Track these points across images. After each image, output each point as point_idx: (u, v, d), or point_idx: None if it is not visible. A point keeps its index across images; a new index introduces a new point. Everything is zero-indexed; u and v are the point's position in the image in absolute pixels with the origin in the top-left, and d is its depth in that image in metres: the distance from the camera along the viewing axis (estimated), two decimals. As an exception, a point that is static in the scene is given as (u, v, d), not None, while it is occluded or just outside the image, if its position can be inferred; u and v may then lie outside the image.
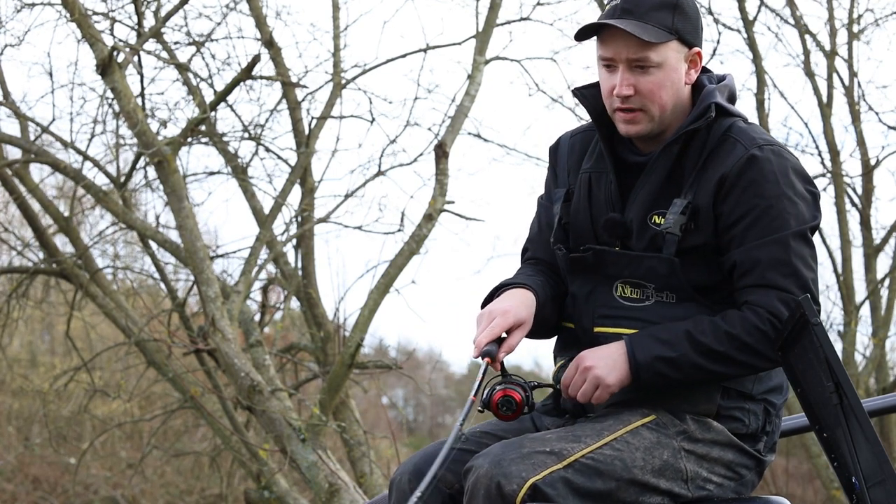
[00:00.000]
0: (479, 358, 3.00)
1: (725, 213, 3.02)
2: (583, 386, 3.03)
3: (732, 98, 3.17)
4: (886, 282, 12.10)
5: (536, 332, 3.19)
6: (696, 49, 3.10)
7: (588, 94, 3.18)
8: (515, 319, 3.03)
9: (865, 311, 12.06)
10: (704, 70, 3.19)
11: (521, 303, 3.07)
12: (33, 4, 8.74)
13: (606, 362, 3.01)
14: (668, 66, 3.05)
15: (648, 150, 3.13)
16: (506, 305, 3.05)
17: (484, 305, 3.14)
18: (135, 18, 8.86)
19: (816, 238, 3.14)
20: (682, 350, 2.98)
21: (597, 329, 3.12)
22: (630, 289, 3.09)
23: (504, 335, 3.04)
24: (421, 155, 9.25)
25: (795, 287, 2.97)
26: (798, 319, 2.92)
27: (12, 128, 9.10)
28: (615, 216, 3.12)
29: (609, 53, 3.06)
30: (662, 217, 3.05)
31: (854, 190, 12.10)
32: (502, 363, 3.06)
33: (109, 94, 8.66)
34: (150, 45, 8.82)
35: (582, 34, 3.09)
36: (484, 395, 3.05)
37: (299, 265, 9.30)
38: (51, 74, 9.10)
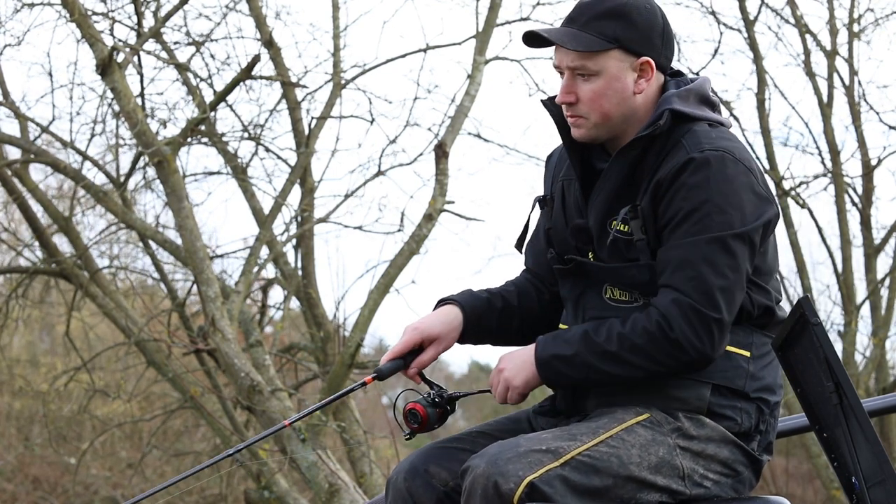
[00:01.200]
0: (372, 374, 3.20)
1: (659, 215, 3.03)
2: (498, 387, 3.12)
3: (705, 100, 3.13)
4: (886, 282, 12.10)
5: (482, 340, 3.28)
6: (645, 58, 3.08)
7: (554, 104, 3.20)
8: (424, 336, 3.16)
9: (865, 311, 12.08)
10: (678, 74, 3.18)
11: (439, 320, 3.19)
12: (33, 4, 8.75)
13: (515, 363, 3.09)
14: (607, 74, 3.06)
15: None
16: (418, 322, 3.19)
17: None
18: (134, 18, 8.87)
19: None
20: (577, 349, 3.01)
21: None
22: (619, 291, 3.11)
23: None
24: (421, 155, 9.26)
25: (695, 291, 2.94)
26: (798, 319, 2.92)
27: (12, 128, 9.12)
28: (580, 222, 3.15)
29: (556, 61, 3.12)
30: (620, 223, 3.07)
31: (854, 190, 12.10)
32: (423, 374, 3.21)
33: (109, 94, 8.66)
34: (150, 45, 8.83)
35: (525, 41, 3.13)
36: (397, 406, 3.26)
37: (299, 265, 9.30)
38: (51, 74, 9.13)
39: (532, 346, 3.09)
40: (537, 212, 3.31)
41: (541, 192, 3.36)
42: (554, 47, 3.11)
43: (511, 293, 3.29)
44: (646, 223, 3.04)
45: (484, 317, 3.23)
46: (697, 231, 2.96)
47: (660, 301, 2.98)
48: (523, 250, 3.39)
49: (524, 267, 3.38)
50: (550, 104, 3.19)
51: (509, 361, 3.10)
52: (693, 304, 2.94)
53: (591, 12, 3.07)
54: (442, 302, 3.25)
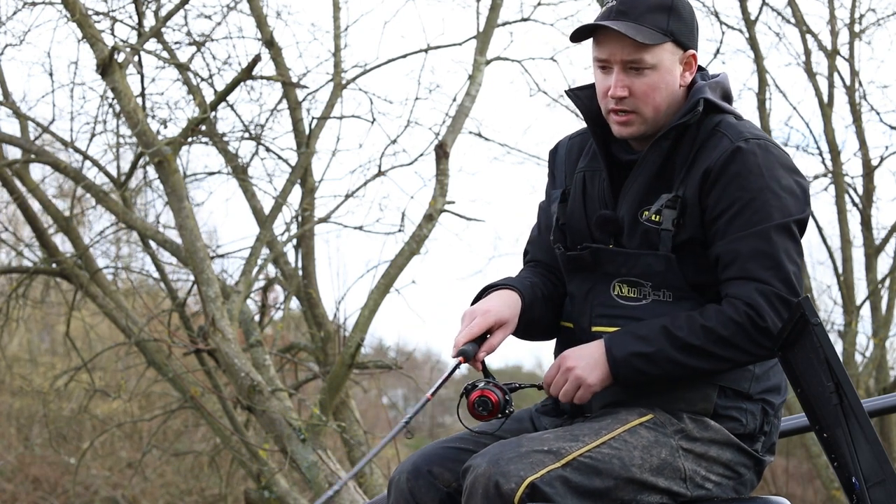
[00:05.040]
0: (456, 357, 3.03)
1: (710, 206, 3.02)
2: (564, 386, 3.04)
3: (727, 96, 3.16)
4: (887, 282, 12.10)
5: (528, 333, 3.21)
6: (691, 51, 3.10)
7: (582, 96, 3.18)
8: (496, 319, 3.07)
9: (866, 311, 12.08)
10: (700, 69, 3.19)
11: (504, 303, 3.10)
12: (34, 4, 8.74)
13: (587, 361, 3.02)
14: (662, 68, 3.06)
15: (641, 148, 3.14)
16: (487, 305, 3.09)
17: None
18: (135, 18, 8.86)
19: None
20: (659, 345, 2.98)
21: (594, 328, 3.13)
22: (627, 288, 3.09)
23: (488, 335, 3.07)
24: (421, 155, 9.25)
25: (775, 279, 2.97)
26: (798, 319, 2.91)
27: (12, 128, 9.11)
28: (607, 213, 3.12)
29: (604, 55, 3.07)
30: (653, 213, 3.05)
31: (855, 190, 12.10)
32: (484, 363, 3.09)
33: (110, 94, 8.66)
34: (151, 44, 8.82)
35: (577, 35, 3.10)
36: (463, 394, 3.09)
37: (299, 265, 9.30)
38: (51, 74, 9.12)
39: (599, 344, 3.03)
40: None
41: (542, 190, 3.35)
42: (593, 42, 3.08)
43: (546, 284, 3.23)
44: (684, 214, 3.02)
45: (534, 305, 3.17)
46: (760, 220, 2.98)
47: (742, 292, 2.97)
48: (528, 246, 3.36)
49: (533, 261, 3.33)
50: (579, 95, 3.17)
51: (579, 359, 3.03)
52: (778, 292, 2.96)
53: (642, 6, 3.05)
54: (489, 288, 3.16)
